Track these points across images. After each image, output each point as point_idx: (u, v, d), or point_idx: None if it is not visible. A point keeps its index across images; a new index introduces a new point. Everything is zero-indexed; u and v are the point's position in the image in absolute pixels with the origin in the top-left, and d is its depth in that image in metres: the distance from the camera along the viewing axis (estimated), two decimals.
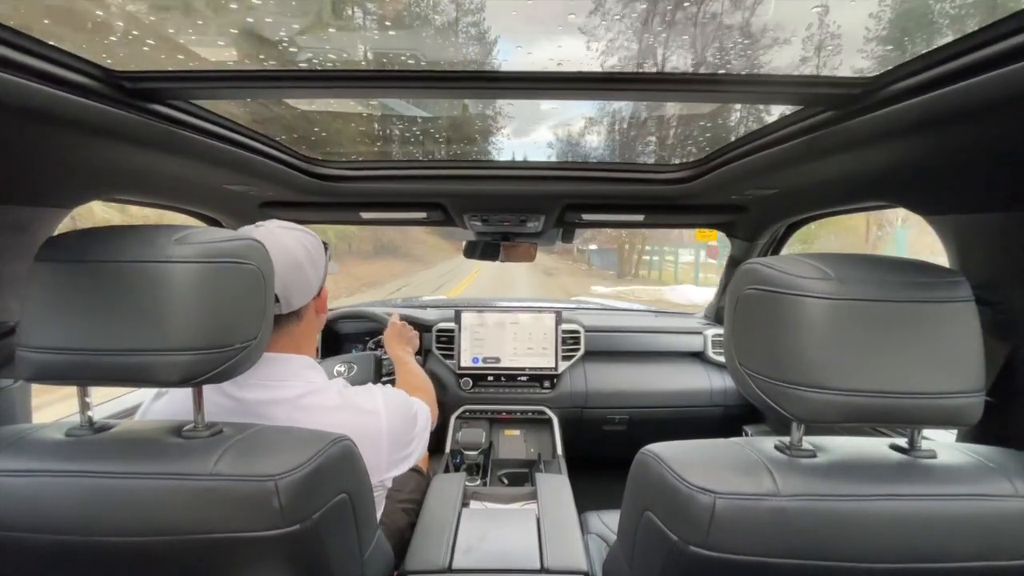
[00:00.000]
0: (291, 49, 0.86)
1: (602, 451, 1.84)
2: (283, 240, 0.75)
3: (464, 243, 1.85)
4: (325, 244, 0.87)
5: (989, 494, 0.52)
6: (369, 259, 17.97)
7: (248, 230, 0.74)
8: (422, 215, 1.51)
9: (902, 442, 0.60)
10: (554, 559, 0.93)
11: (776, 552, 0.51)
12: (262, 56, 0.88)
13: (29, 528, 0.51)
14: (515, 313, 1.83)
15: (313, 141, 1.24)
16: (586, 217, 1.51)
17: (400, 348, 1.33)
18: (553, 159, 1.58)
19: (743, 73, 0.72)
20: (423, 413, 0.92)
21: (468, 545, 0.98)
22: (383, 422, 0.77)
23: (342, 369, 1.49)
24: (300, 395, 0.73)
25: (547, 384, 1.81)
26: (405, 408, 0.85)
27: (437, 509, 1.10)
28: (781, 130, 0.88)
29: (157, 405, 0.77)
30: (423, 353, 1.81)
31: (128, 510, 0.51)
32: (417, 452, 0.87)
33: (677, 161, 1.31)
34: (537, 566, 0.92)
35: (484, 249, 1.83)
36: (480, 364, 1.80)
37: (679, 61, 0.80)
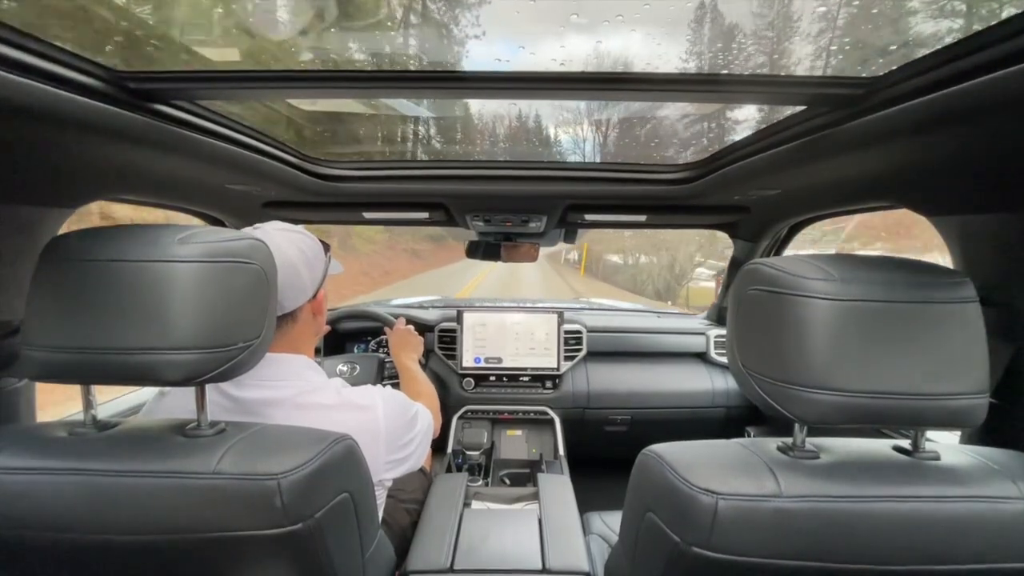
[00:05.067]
0: (293, 49, 0.86)
1: (604, 452, 1.84)
2: (276, 241, 0.74)
3: (466, 243, 1.86)
4: (326, 245, 0.87)
5: (993, 496, 0.52)
6: None
7: (246, 232, 0.73)
8: (424, 215, 1.51)
9: (905, 443, 0.60)
10: (556, 560, 0.93)
11: (779, 553, 0.51)
12: (264, 56, 0.88)
13: (32, 526, 0.52)
14: (517, 313, 1.83)
15: (316, 141, 1.24)
16: (588, 217, 1.51)
17: (405, 355, 1.32)
18: (556, 159, 1.58)
19: (746, 73, 0.71)
20: (423, 417, 0.91)
21: (470, 545, 0.98)
22: (380, 420, 0.77)
23: (344, 368, 1.49)
24: (298, 394, 0.73)
25: (549, 384, 1.80)
26: (404, 409, 0.84)
27: (439, 509, 1.10)
28: (784, 131, 0.88)
29: (161, 404, 0.77)
30: (425, 354, 1.81)
31: (131, 508, 0.51)
32: (416, 456, 0.86)
33: (680, 161, 1.30)
34: (539, 566, 0.92)
35: (486, 249, 1.83)
36: (482, 364, 1.80)
37: (682, 61, 0.80)
